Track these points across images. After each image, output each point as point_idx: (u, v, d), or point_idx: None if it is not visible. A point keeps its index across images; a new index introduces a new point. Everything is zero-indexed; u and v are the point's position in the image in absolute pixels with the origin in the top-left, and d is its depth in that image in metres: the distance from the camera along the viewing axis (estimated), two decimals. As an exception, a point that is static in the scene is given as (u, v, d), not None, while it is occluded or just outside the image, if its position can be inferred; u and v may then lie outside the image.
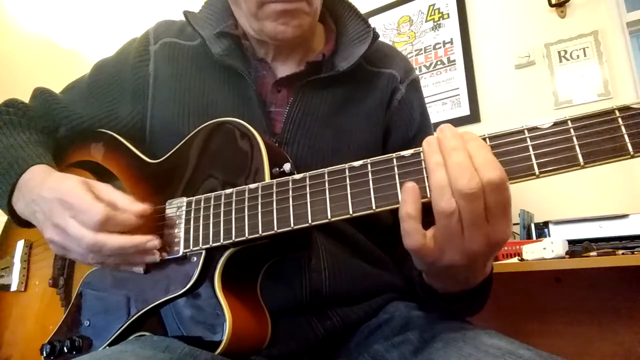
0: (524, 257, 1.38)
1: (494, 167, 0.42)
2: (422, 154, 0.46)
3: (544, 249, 1.34)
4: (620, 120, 0.40)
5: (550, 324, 1.71)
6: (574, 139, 0.41)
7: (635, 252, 1.30)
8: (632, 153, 0.39)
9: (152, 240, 0.57)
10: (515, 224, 1.86)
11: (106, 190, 0.59)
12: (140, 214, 0.57)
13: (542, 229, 1.64)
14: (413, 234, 0.45)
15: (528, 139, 0.43)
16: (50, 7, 2.41)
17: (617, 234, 1.49)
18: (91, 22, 2.59)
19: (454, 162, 0.42)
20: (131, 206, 0.57)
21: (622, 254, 1.29)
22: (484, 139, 0.45)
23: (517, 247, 1.50)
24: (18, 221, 0.67)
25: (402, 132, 0.77)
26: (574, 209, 1.80)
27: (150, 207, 0.59)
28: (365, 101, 0.75)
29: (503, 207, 0.43)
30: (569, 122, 0.42)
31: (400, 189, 0.46)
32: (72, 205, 0.56)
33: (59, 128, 0.78)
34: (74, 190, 0.57)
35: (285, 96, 0.72)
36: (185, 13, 0.75)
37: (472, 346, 0.50)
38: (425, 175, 0.46)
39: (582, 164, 0.41)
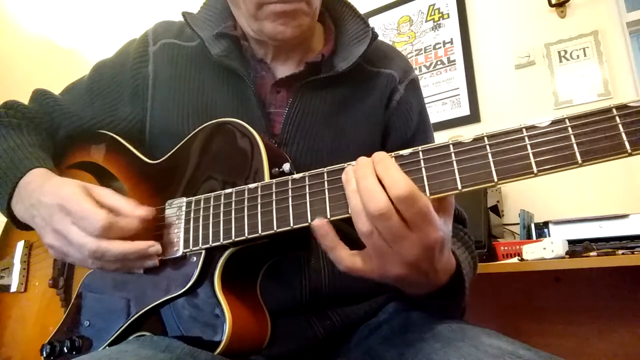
0: (524, 257, 1.38)
1: (400, 184, 0.44)
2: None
3: (544, 249, 1.34)
4: (617, 118, 0.40)
5: (550, 323, 1.71)
6: (572, 137, 0.41)
7: (635, 252, 1.30)
8: (629, 151, 0.39)
9: (154, 246, 0.57)
10: (515, 224, 1.87)
11: (107, 194, 0.59)
12: (143, 218, 0.58)
13: (542, 229, 1.64)
14: (340, 260, 0.49)
15: (526, 138, 0.43)
16: (50, 7, 2.41)
17: (617, 234, 1.49)
18: (91, 22, 2.59)
19: (363, 188, 0.46)
20: (134, 211, 0.57)
21: (622, 254, 1.29)
22: (482, 138, 0.45)
23: (517, 247, 1.51)
24: (17, 224, 0.67)
25: (401, 132, 0.77)
26: (574, 209, 1.80)
27: (153, 210, 0.59)
28: (364, 101, 0.75)
29: (422, 216, 0.45)
30: (567, 120, 0.42)
31: None
32: (73, 211, 0.56)
33: (59, 129, 0.78)
34: (74, 196, 0.57)
35: (285, 97, 0.72)
36: (184, 14, 0.74)
37: (471, 346, 0.50)
38: (424, 174, 0.47)
39: (580, 162, 0.41)
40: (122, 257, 0.56)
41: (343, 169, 0.51)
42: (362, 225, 0.46)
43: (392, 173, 0.45)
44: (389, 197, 0.44)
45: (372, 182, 0.45)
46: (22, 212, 0.64)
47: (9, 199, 0.65)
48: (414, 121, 0.78)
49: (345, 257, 0.49)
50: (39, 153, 0.69)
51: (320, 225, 0.49)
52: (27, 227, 0.65)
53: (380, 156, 0.47)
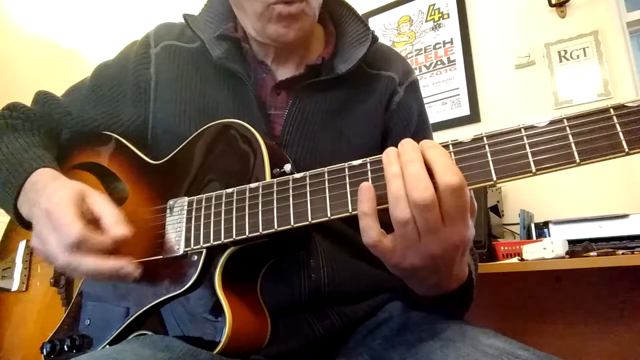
0: (524, 257, 1.38)
1: (452, 172, 0.43)
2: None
3: (544, 249, 1.34)
4: (615, 118, 0.40)
5: (550, 324, 1.71)
6: (570, 136, 0.42)
7: (635, 252, 1.30)
8: (627, 150, 0.39)
9: (125, 268, 0.55)
10: (515, 224, 1.87)
11: (97, 203, 0.58)
12: (117, 239, 0.55)
13: (542, 229, 1.64)
14: (368, 230, 0.47)
15: (525, 137, 0.44)
16: (50, 7, 2.41)
17: (617, 234, 1.49)
18: (91, 22, 2.59)
19: (409, 173, 0.44)
20: (113, 227, 0.56)
21: (622, 254, 1.29)
22: (481, 138, 0.45)
23: (517, 247, 1.51)
24: (23, 224, 0.66)
25: (401, 134, 0.77)
26: (574, 209, 1.80)
27: (131, 231, 0.57)
28: (364, 103, 0.76)
29: (461, 211, 0.44)
30: (565, 120, 0.42)
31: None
32: (53, 220, 0.55)
33: (61, 131, 0.78)
34: (61, 204, 0.55)
35: (285, 99, 0.72)
36: (185, 16, 0.75)
37: (470, 346, 0.51)
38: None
39: (578, 161, 0.41)
40: (94, 274, 0.54)
41: (343, 168, 0.51)
42: (401, 212, 0.44)
43: (445, 159, 0.44)
44: (436, 183, 0.43)
45: (420, 168, 0.44)
46: (27, 210, 0.64)
47: (15, 199, 0.65)
48: (413, 123, 0.79)
49: (375, 230, 0.47)
50: (44, 153, 0.69)
51: (369, 187, 0.47)
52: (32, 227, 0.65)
53: (431, 142, 0.46)
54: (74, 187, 0.59)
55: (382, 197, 0.47)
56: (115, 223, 0.56)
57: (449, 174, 0.43)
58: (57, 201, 0.56)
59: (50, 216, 0.55)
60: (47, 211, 0.56)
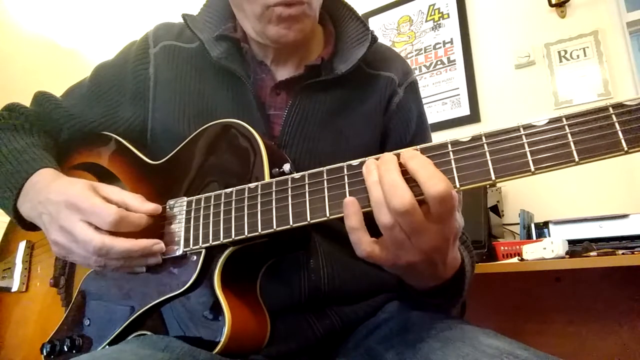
0: (524, 257, 1.38)
1: (437, 180, 0.44)
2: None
3: (544, 249, 1.34)
4: (614, 117, 0.40)
5: (550, 323, 1.71)
6: (569, 135, 0.42)
7: (635, 252, 1.30)
8: (626, 149, 0.39)
9: (158, 244, 0.58)
10: (515, 224, 1.87)
11: (114, 191, 0.60)
12: (151, 213, 0.59)
13: (542, 229, 1.64)
14: (359, 244, 0.48)
15: (524, 137, 0.44)
16: (50, 7, 2.41)
17: (617, 234, 1.49)
18: (91, 22, 2.60)
19: (387, 182, 0.45)
20: (142, 206, 0.59)
21: (622, 254, 1.29)
22: (480, 137, 0.45)
23: (517, 247, 1.51)
24: (23, 224, 0.67)
25: (400, 135, 0.77)
26: (574, 209, 1.80)
27: (159, 206, 0.61)
28: (363, 104, 0.75)
29: (450, 213, 0.45)
30: (564, 119, 0.42)
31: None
32: (82, 208, 0.57)
33: (61, 132, 0.78)
34: (83, 193, 0.58)
35: (284, 99, 0.72)
36: (184, 16, 0.74)
37: (470, 346, 0.51)
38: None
39: (577, 160, 0.41)
40: (127, 255, 0.56)
41: (342, 168, 0.51)
42: (384, 218, 0.45)
43: (428, 169, 0.45)
44: (422, 192, 0.44)
45: (397, 176, 0.45)
46: (28, 210, 0.64)
47: (15, 199, 0.65)
48: (413, 124, 0.79)
49: (365, 242, 0.48)
50: (44, 154, 0.70)
51: (352, 202, 0.48)
52: (32, 227, 0.65)
53: (411, 153, 0.47)
54: (83, 181, 0.61)
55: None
56: (142, 202, 0.60)
57: (433, 182, 0.44)
58: (77, 192, 0.58)
59: (76, 205, 0.57)
60: (70, 203, 0.58)
